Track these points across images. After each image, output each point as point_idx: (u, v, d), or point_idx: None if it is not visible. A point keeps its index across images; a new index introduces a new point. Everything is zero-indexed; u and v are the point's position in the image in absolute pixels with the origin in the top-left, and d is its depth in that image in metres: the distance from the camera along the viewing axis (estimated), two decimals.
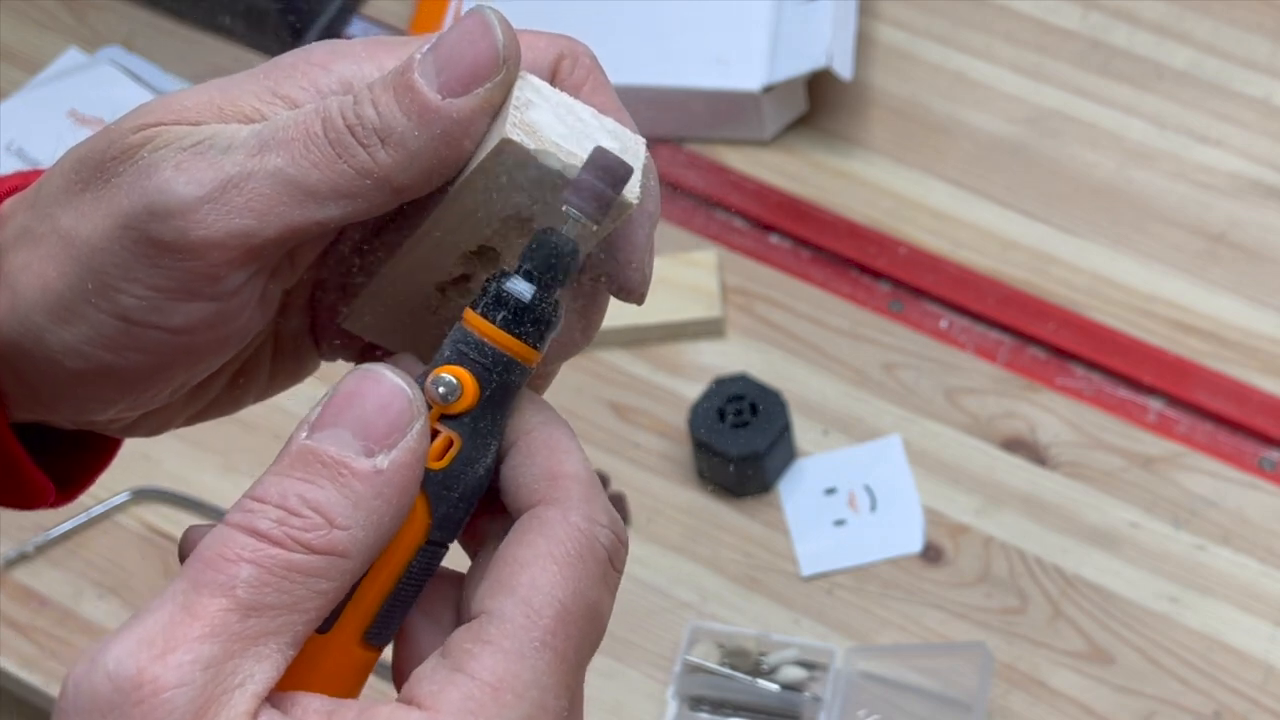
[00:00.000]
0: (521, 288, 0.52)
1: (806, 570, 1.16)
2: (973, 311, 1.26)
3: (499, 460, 0.54)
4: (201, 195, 0.52)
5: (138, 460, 1.23)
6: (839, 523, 1.18)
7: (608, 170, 0.52)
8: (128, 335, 0.55)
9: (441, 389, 0.51)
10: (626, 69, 1.33)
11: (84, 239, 0.54)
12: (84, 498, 1.20)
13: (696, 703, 1.13)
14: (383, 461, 0.49)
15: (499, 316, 0.52)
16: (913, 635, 1.13)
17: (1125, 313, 1.25)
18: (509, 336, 0.52)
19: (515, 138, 0.53)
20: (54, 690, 1.14)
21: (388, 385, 0.50)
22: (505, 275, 0.53)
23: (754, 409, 1.18)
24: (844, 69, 1.30)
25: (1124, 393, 1.22)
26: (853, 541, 1.17)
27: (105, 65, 1.37)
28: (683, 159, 1.35)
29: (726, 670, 1.12)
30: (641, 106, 1.33)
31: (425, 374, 0.52)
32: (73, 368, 0.56)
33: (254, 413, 1.23)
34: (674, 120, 1.35)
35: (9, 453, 0.58)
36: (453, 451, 0.52)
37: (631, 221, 0.56)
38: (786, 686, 1.10)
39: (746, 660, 1.11)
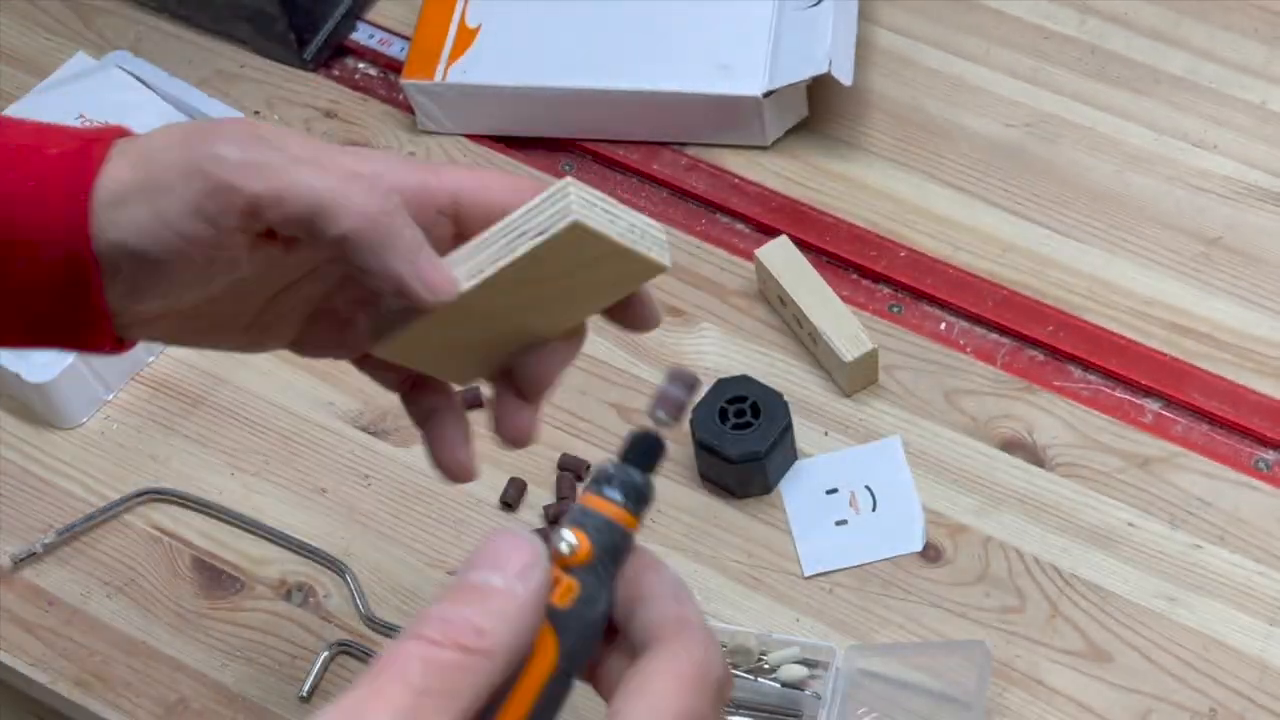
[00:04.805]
0: (631, 476, 0.71)
1: (808, 570, 1.17)
2: (972, 314, 1.27)
3: (613, 605, 0.69)
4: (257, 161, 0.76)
5: (146, 461, 1.24)
6: (840, 523, 1.18)
7: (685, 383, 0.73)
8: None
9: (564, 545, 0.68)
10: (629, 75, 1.34)
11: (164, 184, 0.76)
12: (92, 498, 1.21)
13: None
14: (517, 587, 0.64)
15: (610, 497, 0.70)
16: (912, 634, 1.14)
17: (1122, 315, 1.25)
18: (618, 509, 0.70)
19: (582, 219, 0.72)
20: (61, 688, 1.14)
21: (521, 539, 0.66)
22: (617, 465, 0.71)
23: (756, 410, 1.18)
24: (844, 74, 1.31)
25: (1121, 394, 1.23)
26: (854, 541, 1.18)
27: (113, 70, 1.37)
28: (684, 163, 1.36)
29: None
30: (644, 111, 1.34)
31: (551, 534, 0.68)
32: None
33: (262, 415, 1.24)
34: (676, 125, 1.35)
35: (88, 281, 0.76)
36: (573, 594, 0.67)
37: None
38: (787, 684, 1.11)
39: (748, 659, 1.11)
